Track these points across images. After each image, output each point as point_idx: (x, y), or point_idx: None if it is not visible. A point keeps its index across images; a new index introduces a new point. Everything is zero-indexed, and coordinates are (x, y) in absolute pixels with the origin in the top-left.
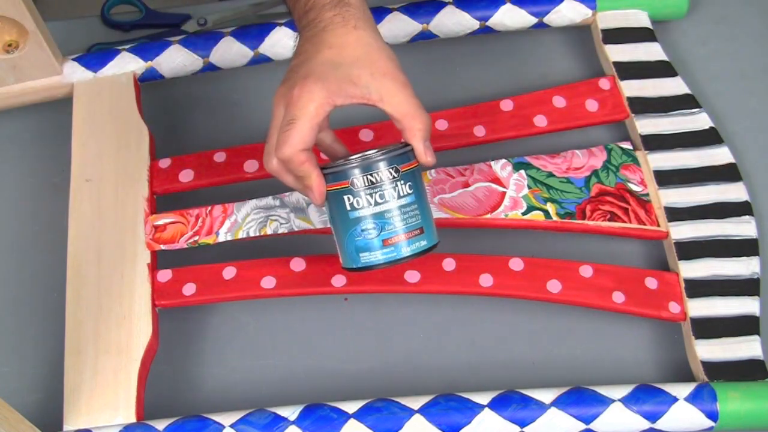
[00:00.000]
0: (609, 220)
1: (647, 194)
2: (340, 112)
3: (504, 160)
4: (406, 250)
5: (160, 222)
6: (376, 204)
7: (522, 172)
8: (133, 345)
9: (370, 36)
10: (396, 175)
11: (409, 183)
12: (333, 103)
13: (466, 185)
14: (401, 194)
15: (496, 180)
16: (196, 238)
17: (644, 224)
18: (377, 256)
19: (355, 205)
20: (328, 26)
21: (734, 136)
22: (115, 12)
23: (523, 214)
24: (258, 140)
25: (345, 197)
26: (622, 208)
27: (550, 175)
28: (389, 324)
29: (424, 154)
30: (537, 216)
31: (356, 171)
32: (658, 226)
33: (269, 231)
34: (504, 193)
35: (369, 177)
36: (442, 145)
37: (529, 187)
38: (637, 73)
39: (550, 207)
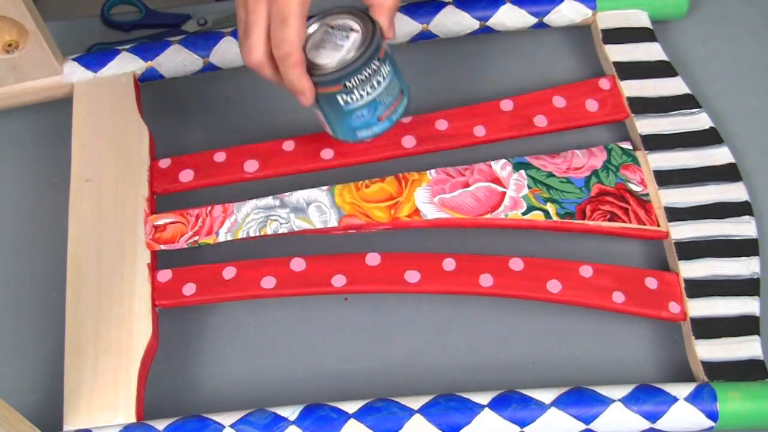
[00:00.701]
0: (609, 220)
1: (647, 194)
2: None
3: (504, 160)
4: (396, 116)
5: (160, 222)
6: (368, 95)
7: (522, 172)
8: (133, 345)
9: None
10: (379, 64)
11: (387, 60)
12: None
13: (466, 185)
14: (385, 76)
15: (496, 180)
16: (196, 238)
17: (644, 224)
18: (373, 130)
19: (349, 101)
20: None
21: (734, 136)
22: (115, 12)
23: (523, 214)
24: (258, 140)
25: (338, 97)
26: (622, 208)
27: (550, 175)
28: (389, 324)
29: (388, 29)
30: (537, 216)
31: (347, 74)
32: (658, 226)
33: (269, 231)
34: (504, 193)
35: (359, 77)
36: (442, 145)
37: (529, 187)
38: (637, 73)
39: (550, 207)
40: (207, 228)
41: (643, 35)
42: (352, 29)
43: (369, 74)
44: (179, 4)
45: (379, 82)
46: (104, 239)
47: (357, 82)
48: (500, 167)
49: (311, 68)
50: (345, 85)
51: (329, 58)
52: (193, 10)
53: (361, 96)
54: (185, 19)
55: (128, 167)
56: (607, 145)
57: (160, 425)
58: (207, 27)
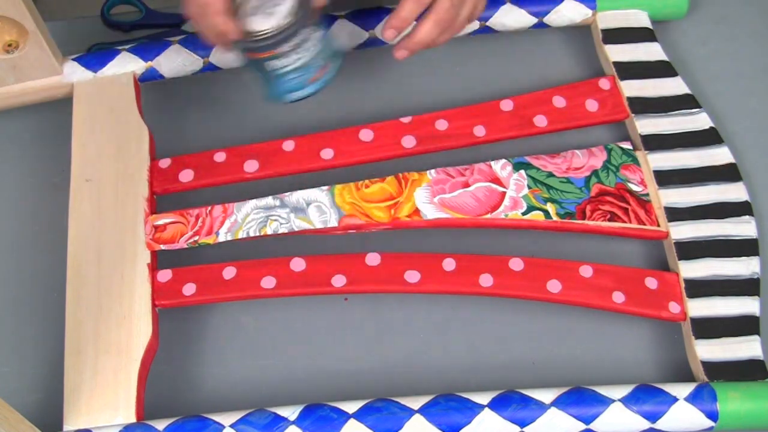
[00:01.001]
0: (609, 220)
1: (647, 194)
2: (340, 112)
3: (504, 160)
4: (327, 77)
5: (160, 222)
6: (300, 59)
7: (522, 172)
8: (133, 345)
9: None
10: (311, 30)
11: (319, 25)
12: None
13: (466, 185)
14: (317, 41)
15: (496, 180)
16: (196, 238)
17: (644, 224)
18: (306, 92)
19: (282, 65)
20: None
21: (734, 136)
22: (115, 12)
23: (523, 214)
24: (258, 140)
25: (271, 62)
26: (622, 208)
27: (550, 175)
28: (389, 324)
29: None
30: (537, 216)
31: (279, 41)
32: (658, 226)
33: (269, 231)
34: (504, 193)
35: (291, 42)
36: (442, 145)
37: (529, 187)
38: (637, 73)
39: (550, 207)
40: (207, 228)
41: (643, 35)
42: None
43: (302, 39)
44: (179, 4)
45: (311, 45)
46: (104, 239)
47: (289, 47)
48: (500, 167)
49: (244, 34)
50: (277, 51)
51: (262, 24)
52: None
53: (294, 60)
54: (185, 19)
55: (128, 167)
56: (607, 145)
57: (160, 425)
58: None
